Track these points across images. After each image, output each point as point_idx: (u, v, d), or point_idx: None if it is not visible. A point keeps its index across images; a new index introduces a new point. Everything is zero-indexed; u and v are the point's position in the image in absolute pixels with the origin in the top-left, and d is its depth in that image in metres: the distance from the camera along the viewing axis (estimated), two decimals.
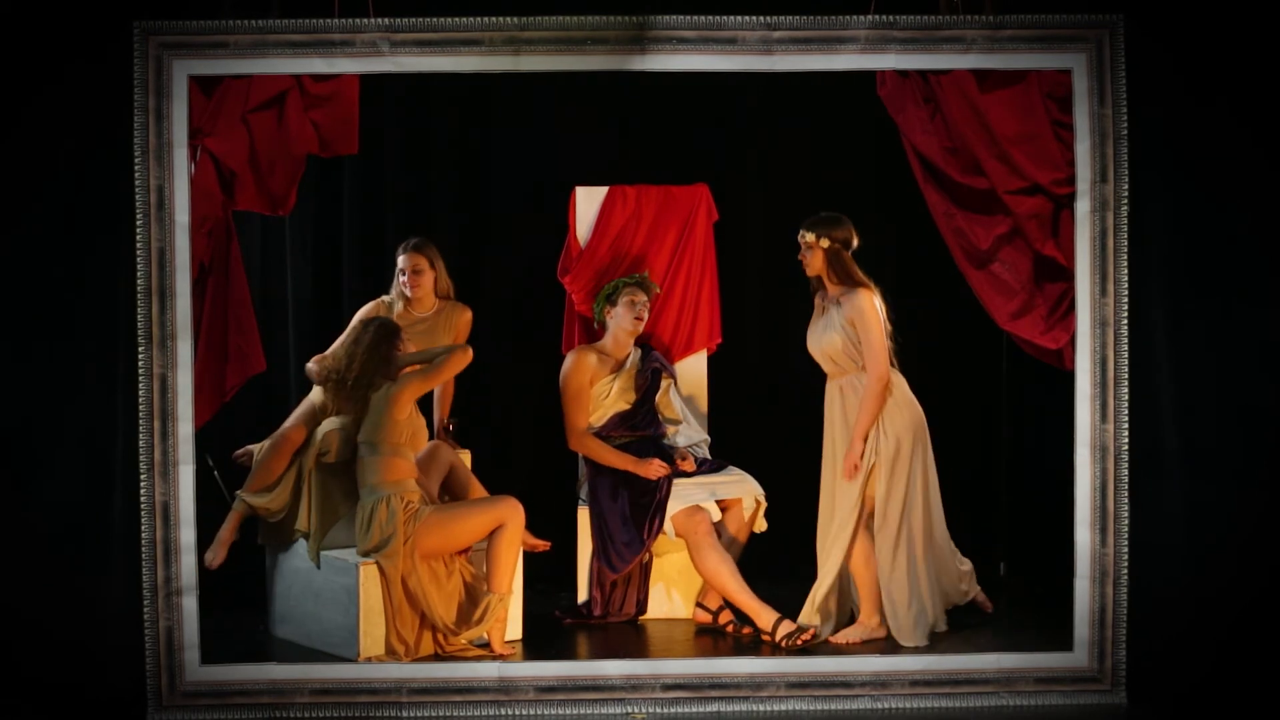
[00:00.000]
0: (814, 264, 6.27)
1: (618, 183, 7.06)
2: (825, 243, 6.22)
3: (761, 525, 6.64)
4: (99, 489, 5.71)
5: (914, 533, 6.20)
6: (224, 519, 6.37)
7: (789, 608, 6.31)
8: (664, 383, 6.86)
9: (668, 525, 6.53)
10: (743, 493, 6.60)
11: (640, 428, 6.75)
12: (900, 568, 6.19)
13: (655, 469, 6.57)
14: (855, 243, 6.27)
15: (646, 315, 6.74)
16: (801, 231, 6.28)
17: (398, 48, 5.59)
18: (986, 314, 5.97)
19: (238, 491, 6.26)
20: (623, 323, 6.70)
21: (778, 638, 6.24)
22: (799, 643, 6.18)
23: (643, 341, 6.88)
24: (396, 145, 7.46)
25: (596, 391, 6.72)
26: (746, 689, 5.71)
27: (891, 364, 6.23)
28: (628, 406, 6.74)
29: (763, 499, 6.60)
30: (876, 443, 6.20)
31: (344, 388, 6.11)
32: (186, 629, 5.61)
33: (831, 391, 6.34)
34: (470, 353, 6.16)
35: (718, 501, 6.59)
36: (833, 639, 6.24)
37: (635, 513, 6.54)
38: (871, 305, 6.18)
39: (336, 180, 7.34)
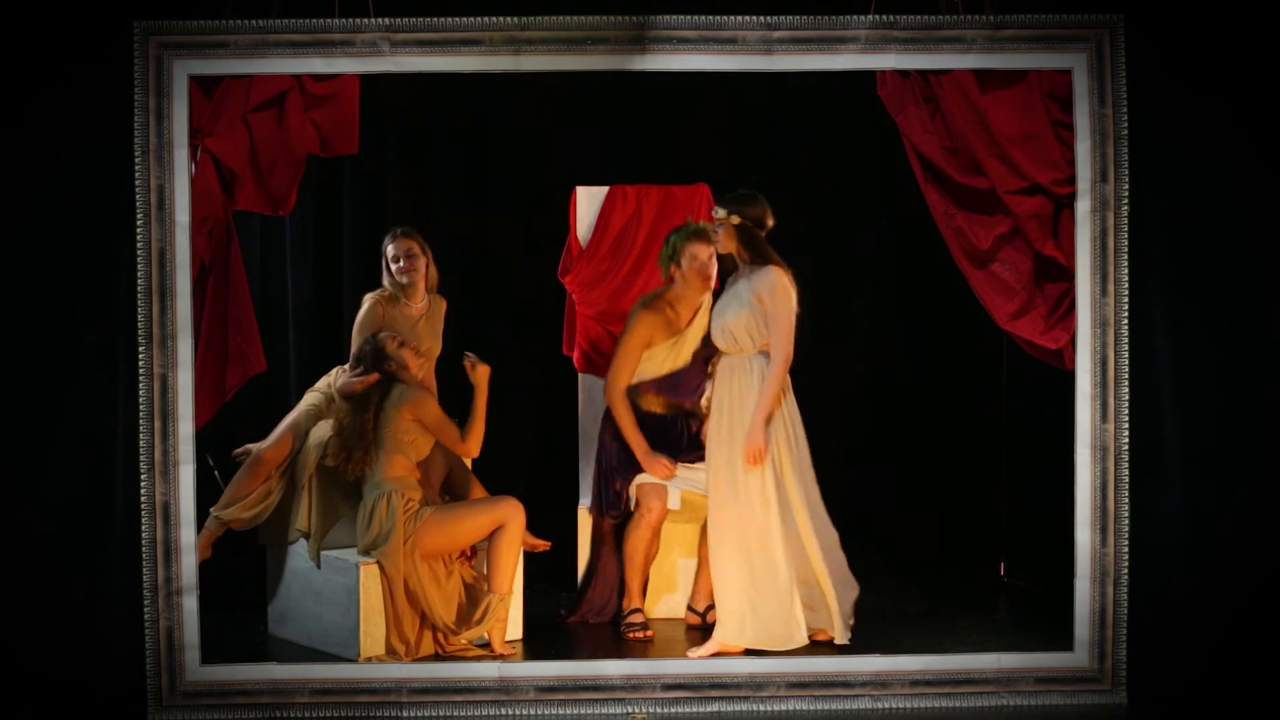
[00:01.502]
0: (726, 242, 6.19)
1: (618, 182, 7.06)
2: (736, 219, 6.15)
3: None
4: (99, 489, 5.71)
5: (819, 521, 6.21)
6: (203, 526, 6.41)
7: None
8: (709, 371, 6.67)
9: (632, 488, 6.53)
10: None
11: (683, 392, 6.58)
12: (820, 558, 6.17)
13: (661, 469, 6.51)
14: (770, 223, 6.17)
15: (715, 267, 6.49)
16: (715, 207, 6.21)
17: (398, 47, 5.59)
18: (987, 314, 5.97)
19: (211, 509, 6.28)
20: (691, 283, 6.51)
21: (622, 622, 6.49)
22: (628, 635, 6.40)
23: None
24: (396, 145, 7.46)
25: (655, 352, 6.56)
26: (746, 689, 5.71)
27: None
28: (685, 364, 6.58)
29: None
30: (780, 428, 6.15)
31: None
32: (187, 629, 5.61)
33: (723, 370, 6.24)
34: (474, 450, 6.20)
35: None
36: (692, 654, 6.12)
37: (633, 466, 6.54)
38: (783, 283, 6.09)
39: (337, 180, 7.35)
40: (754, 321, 6.11)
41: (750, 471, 6.08)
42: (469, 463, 6.61)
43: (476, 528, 6.14)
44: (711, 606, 6.52)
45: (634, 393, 6.60)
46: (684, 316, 6.59)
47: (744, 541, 6.11)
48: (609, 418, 6.63)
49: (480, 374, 6.16)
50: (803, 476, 6.18)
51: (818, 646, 6.19)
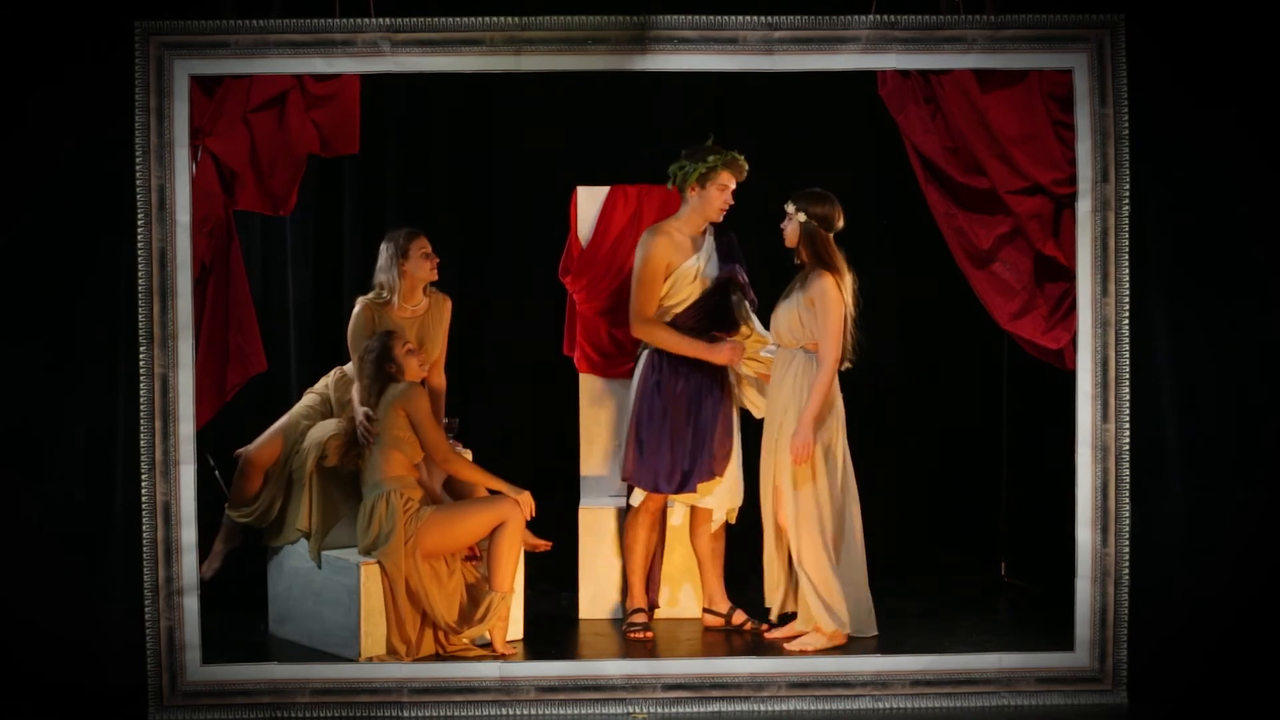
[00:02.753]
0: (790, 235, 6.27)
1: (619, 182, 7.06)
2: (802, 216, 6.21)
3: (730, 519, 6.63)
4: (99, 489, 5.71)
5: (856, 522, 6.29)
6: (222, 522, 6.45)
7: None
8: (734, 296, 6.56)
9: (636, 494, 6.48)
10: (716, 505, 6.55)
11: (717, 318, 6.44)
12: (862, 557, 6.24)
13: (726, 353, 6.33)
14: (838, 225, 6.24)
15: (731, 201, 6.43)
16: (787, 201, 6.28)
17: (399, 47, 5.59)
18: (987, 314, 5.97)
19: (226, 506, 6.39)
20: (709, 207, 6.37)
21: (625, 622, 6.50)
22: (630, 636, 6.40)
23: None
24: (397, 145, 7.46)
25: (682, 274, 6.41)
26: (747, 689, 5.71)
27: (850, 355, 6.21)
28: (710, 287, 6.44)
29: (732, 514, 6.58)
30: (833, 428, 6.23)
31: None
32: (187, 629, 5.61)
33: (776, 364, 6.34)
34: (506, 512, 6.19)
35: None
36: (789, 646, 6.19)
37: (690, 446, 6.40)
38: (833, 290, 6.16)
39: (337, 180, 7.34)
40: (797, 319, 6.21)
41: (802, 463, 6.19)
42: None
43: (477, 526, 6.14)
44: (735, 608, 6.51)
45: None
46: (694, 240, 6.45)
47: (822, 532, 6.20)
48: (652, 383, 6.43)
49: (524, 504, 6.20)
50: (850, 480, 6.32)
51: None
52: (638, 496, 6.50)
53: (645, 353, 6.50)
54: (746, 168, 6.42)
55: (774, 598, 6.39)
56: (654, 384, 6.45)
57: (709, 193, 6.38)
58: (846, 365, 6.27)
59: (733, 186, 6.41)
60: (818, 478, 6.20)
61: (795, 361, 6.25)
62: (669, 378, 6.43)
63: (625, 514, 6.65)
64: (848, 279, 6.23)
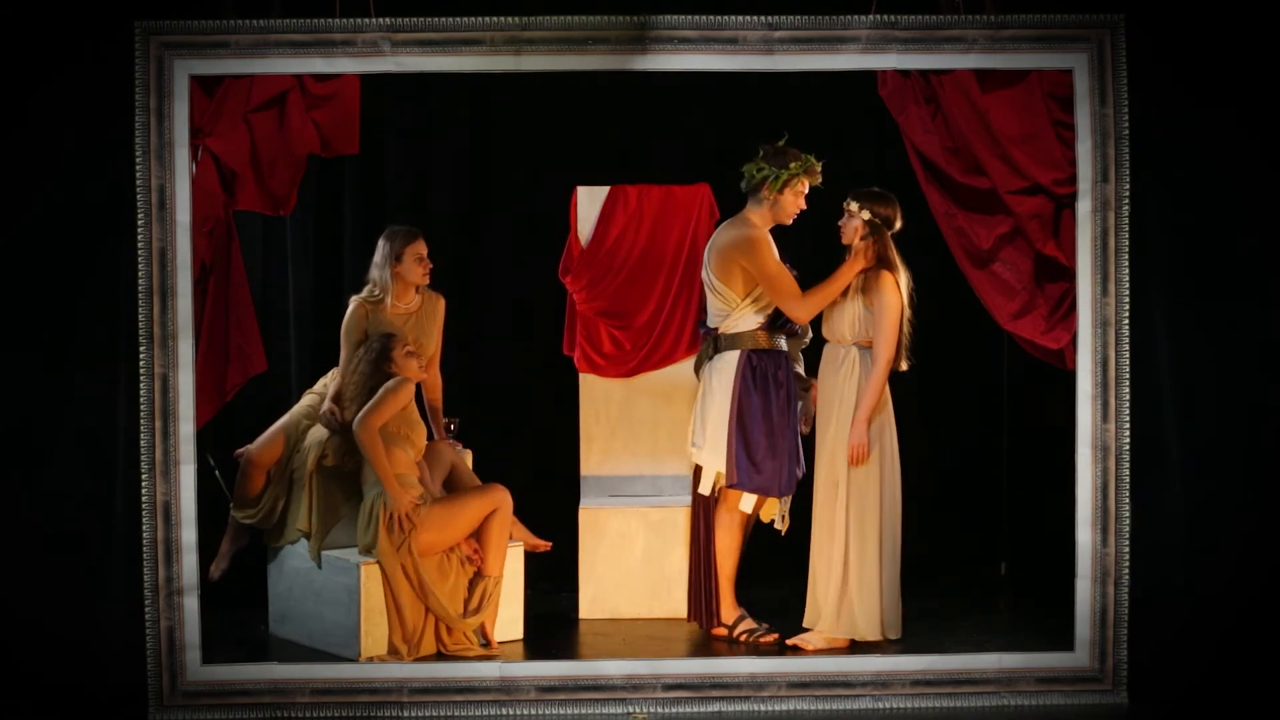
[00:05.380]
0: (849, 232, 6.23)
1: (619, 182, 7.06)
2: (866, 214, 6.20)
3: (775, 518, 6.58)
4: (99, 489, 5.71)
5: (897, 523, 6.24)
6: (225, 521, 6.46)
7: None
8: None
9: (746, 500, 6.37)
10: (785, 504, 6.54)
11: (786, 320, 6.40)
12: (896, 561, 6.21)
13: (867, 255, 6.16)
14: (898, 225, 6.22)
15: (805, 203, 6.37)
16: (847, 199, 6.23)
17: (399, 47, 5.59)
18: (987, 314, 5.97)
19: (231, 507, 6.41)
20: (783, 211, 6.30)
21: (736, 633, 6.33)
22: (759, 640, 6.27)
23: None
24: (397, 145, 7.46)
25: None
26: (747, 689, 5.71)
27: (906, 354, 6.21)
28: None
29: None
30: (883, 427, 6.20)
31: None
32: (187, 629, 5.61)
33: (825, 361, 6.31)
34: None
35: None
36: (790, 641, 6.19)
37: (798, 445, 6.34)
38: (891, 289, 6.16)
39: (337, 180, 7.34)
40: (856, 317, 6.19)
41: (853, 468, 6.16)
42: (470, 462, 6.62)
43: (471, 516, 6.16)
44: (743, 616, 6.45)
45: (740, 337, 6.33)
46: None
47: (845, 533, 6.17)
48: (752, 385, 6.30)
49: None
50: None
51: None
52: (748, 502, 6.35)
53: (736, 353, 6.33)
54: (821, 172, 6.32)
55: (822, 613, 6.25)
56: (757, 385, 6.32)
57: (785, 198, 6.31)
58: (906, 365, 6.23)
59: (806, 192, 6.33)
60: (870, 475, 6.17)
61: (848, 358, 6.23)
62: (773, 377, 6.33)
63: (695, 514, 6.47)
64: (904, 278, 6.21)
